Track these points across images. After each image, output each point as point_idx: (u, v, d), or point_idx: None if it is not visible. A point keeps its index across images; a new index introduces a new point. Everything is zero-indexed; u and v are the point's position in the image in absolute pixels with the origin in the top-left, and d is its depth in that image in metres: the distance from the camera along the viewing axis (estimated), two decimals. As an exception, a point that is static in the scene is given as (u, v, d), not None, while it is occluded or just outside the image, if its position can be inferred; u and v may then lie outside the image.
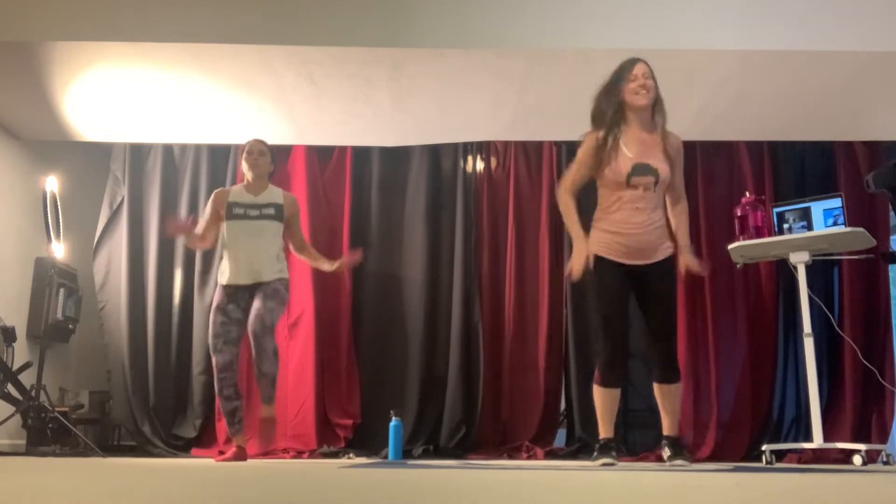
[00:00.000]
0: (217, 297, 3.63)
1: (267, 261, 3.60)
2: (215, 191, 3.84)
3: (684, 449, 3.09)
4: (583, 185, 3.15)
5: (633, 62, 3.07)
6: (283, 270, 3.68)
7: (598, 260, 3.04)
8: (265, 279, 3.58)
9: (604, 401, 3.08)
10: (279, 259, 3.67)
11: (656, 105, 3.06)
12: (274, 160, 3.81)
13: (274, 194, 3.73)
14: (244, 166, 3.73)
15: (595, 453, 3.11)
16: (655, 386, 3.12)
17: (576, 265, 2.99)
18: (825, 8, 3.69)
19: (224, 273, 3.63)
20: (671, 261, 3.06)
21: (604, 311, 3.05)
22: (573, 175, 3.14)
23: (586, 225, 3.12)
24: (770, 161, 4.89)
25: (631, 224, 3.01)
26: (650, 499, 1.25)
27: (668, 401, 3.10)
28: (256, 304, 3.54)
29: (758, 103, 4.26)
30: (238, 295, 3.60)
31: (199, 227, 3.70)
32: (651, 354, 3.19)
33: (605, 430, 3.10)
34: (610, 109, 3.04)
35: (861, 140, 4.75)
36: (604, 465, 2.99)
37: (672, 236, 3.14)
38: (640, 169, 2.99)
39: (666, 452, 3.12)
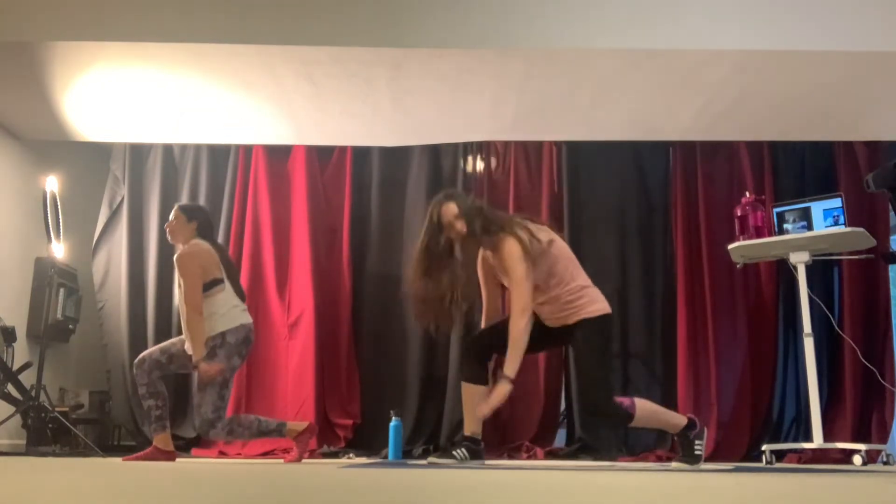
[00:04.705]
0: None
1: (185, 328, 3.38)
2: None
3: (694, 441, 3.02)
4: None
5: (437, 205, 3.06)
6: (208, 329, 3.33)
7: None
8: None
9: (464, 396, 3.09)
10: (191, 319, 3.33)
11: (472, 235, 3.00)
12: (191, 217, 3.48)
13: None
14: None
15: (458, 450, 3.00)
16: None
17: (492, 405, 2.92)
18: (825, 8, 3.68)
19: None
20: (589, 324, 2.97)
21: (498, 318, 3.15)
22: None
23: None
24: (770, 161, 4.90)
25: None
26: (650, 499, 1.24)
27: (645, 426, 3.15)
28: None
29: (758, 103, 4.26)
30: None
31: None
32: None
33: (466, 427, 3.06)
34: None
35: (861, 140, 4.75)
36: (430, 462, 2.99)
37: (585, 300, 3.01)
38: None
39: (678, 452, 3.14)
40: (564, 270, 3.00)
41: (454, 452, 2.98)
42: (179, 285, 3.40)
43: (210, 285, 3.39)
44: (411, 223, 5.00)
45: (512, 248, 2.92)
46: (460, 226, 2.97)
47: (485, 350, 3.07)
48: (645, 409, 2.98)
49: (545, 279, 2.98)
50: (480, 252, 3.11)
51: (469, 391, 3.06)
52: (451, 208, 3.00)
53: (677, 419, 3.06)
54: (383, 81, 4.05)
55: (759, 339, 4.67)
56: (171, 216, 3.52)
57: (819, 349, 4.37)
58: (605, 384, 3.00)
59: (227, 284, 3.44)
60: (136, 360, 3.42)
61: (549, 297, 3.00)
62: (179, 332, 4.82)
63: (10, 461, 3.08)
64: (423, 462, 3.39)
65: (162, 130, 4.70)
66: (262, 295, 4.80)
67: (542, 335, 3.08)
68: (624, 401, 2.96)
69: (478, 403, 2.98)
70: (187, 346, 3.37)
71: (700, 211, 4.84)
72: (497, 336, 3.03)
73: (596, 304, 3.00)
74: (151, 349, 3.49)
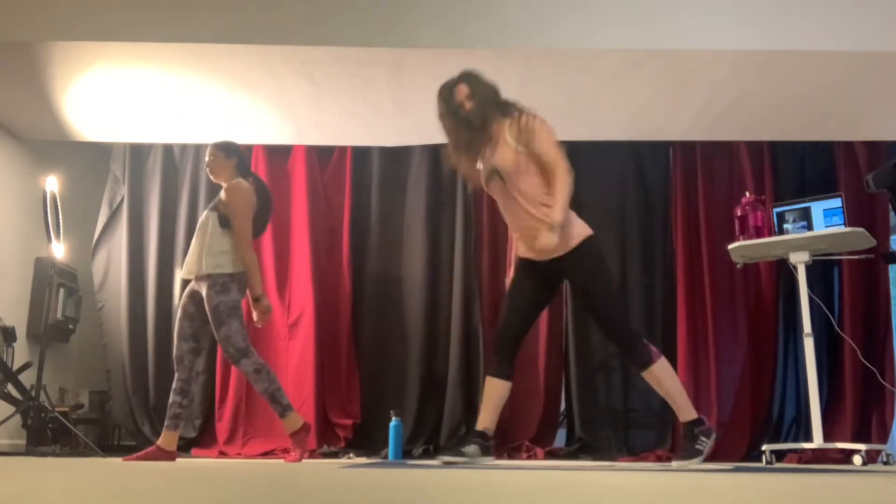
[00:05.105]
0: None
1: (201, 253, 3.40)
2: None
3: (699, 436, 2.90)
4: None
5: (452, 84, 3.03)
6: (221, 264, 3.37)
7: (519, 259, 3.08)
8: (202, 272, 3.38)
9: (486, 389, 3.03)
10: (217, 253, 3.39)
11: (486, 108, 2.96)
12: (230, 154, 3.54)
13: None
14: None
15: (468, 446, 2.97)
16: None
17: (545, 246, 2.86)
18: (825, 7, 3.69)
19: None
20: (580, 249, 2.91)
21: (505, 302, 3.07)
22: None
23: None
24: (770, 161, 4.90)
25: (512, 225, 3.03)
26: (650, 499, 1.25)
27: (656, 386, 2.92)
28: (214, 331, 3.41)
29: (758, 103, 4.26)
30: (192, 291, 3.47)
31: None
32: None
33: (480, 421, 3.01)
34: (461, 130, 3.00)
35: (861, 140, 4.75)
36: (444, 463, 2.91)
37: (575, 224, 2.96)
38: (488, 173, 2.99)
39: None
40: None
41: (463, 449, 2.95)
42: (223, 214, 3.41)
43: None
44: (411, 223, 5.00)
45: (541, 122, 2.89)
46: (470, 106, 2.94)
47: (513, 345, 3.03)
48: (665, 370, 2.88)
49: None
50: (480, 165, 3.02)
51: (492, 385, 3.01)
52: (462, 89, 2.98)
53: (688, 406, 2.95)
54: (383, 81, 4.06)
55: (759, 339, 4.68)
56: (208, 155, 3.55)
57: (819, 349, 4.38)
58: (620, 314, 2.95)
59: (249, 233, 3.48)
60: (175, 357, 3.42)
61: (540, 208, 2.91)
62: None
63: (10, 461, 3.08)
64: (422, 462, 3.38)
65: (162, 130, 4.70)
66: (262, 295, 4.80)
67: (534, 289, 3.00)
68: (652, 347, 2.89)
69: (499, 400, 2.99)
70: (198, 288, 3.40)
71: (700, 211, 4.85)
72: (523, 326, 3.03)
73: (579, 226, 2.95)
74: (177, 343, 3.44)
